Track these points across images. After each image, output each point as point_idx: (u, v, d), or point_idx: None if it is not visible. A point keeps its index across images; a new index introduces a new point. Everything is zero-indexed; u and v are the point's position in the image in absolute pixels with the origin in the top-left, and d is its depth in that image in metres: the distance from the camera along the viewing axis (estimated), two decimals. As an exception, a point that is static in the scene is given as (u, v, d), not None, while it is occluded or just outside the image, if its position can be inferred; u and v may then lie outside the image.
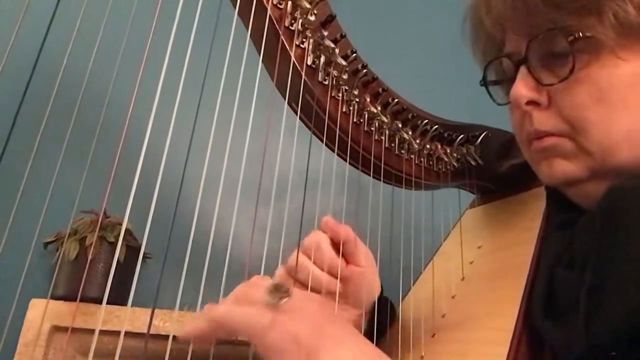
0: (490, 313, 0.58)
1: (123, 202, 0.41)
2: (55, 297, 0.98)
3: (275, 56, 0.58)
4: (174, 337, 0.44)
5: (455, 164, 0.75)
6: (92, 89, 0.59)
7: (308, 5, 0.59)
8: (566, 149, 0.51)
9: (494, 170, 0.78)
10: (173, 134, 0.45)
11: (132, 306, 0.99)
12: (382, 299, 0.68)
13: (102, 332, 0.93)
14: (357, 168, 0.67)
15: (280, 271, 0.61)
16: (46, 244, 1.05)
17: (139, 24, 0.53)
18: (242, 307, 0.41)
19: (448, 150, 0.74)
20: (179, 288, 0.46)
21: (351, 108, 0.64)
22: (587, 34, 0.48)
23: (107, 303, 0.95)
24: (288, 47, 0.59)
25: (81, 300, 0.99)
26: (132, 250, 0.98)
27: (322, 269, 0.60)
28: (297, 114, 0.61)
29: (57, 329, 0.99)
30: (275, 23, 0.58)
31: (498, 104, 0.61)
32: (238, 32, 0.54)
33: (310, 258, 0.59)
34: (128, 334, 0.92)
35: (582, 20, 0.48)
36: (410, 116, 0.69)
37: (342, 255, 0.62)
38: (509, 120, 0.60)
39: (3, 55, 0.44)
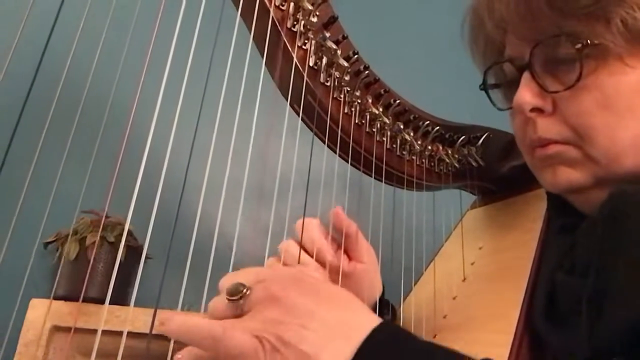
0: (491, 315, 0.58)
1: (123, 203, 0.41)
2: (55, 297, 0.98)
3: (278, 58, 0.58)
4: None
5: (456, 165, 0.75)
6: (95, 91, 0.59)
7: (310, 7, 0.59)
8: (571, 157, 0.51)
9: (495, 172, 0.78)
10: (175, 134, 0.45)
11: (133, 306, 0.99)
12: (384, 301, 0.68)
13: (102, 332, 0.92)
14: (359, 169, 0.67)
15: (269, 261, 0.59)
16: (46, 244, 1.05)
17: (142, 27, 0.53)
18: (193, 320, 0.39)
19: (449, 152, 0.74)
20: (180, 288, 0.46)
21: (353, 109, 0.64)
22: (595, 41, 0.48)
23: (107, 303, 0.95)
24: (290, 49, 0.59)
25: (81, 300, 0.99)
26: (131, 250, 0.98)
27: (311, 253, 0.58)
28: (299, 115, 0.61)
29: (57, 329, 0.99)
30: (278, 24, 0.58)
31: (498, 109, 0.60)
32: (240, 33, 0.54)
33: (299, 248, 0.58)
34: (128, 334, 0.92)
35: (589, 26, 0.48)
36: (411, 117, 0.69)
37: (344, 250, 0.61)
38: (509, 123, 0.60)
39: (7, 58, 0.44)
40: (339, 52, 0.61)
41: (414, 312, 0.66)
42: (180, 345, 0.42)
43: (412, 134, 0.70)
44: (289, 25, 0.59)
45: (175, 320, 0.39)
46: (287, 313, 0.38)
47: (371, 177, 0.67)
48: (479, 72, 0.63)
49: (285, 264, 0.57)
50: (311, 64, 0.60)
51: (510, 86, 0.56)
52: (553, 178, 0.53)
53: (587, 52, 0.48)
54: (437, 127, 0.71)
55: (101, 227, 0.98)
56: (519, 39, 0.54)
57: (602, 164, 0.49)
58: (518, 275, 0.58)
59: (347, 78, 0.63)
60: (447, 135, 0.73)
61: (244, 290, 0.40)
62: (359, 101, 0.65)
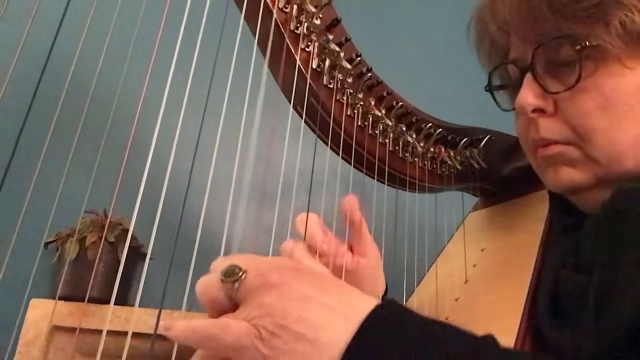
0: (493, 316, 0.58)
1: (125, 203, 0.41)
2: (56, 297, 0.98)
3: (281, 60, 0.58)
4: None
5: (458, 167, 0.75)
6: (99, 92, 0.59)
7: (313, 9, 0.59)
8: (572, 157, 0.52)
9: (497, 173, 0.78)
10: (179, 136, 0.45)
11: (134, 306, 0.99)
12: (387, 299, 0.68)
13: (101, 332, 0.93)
14: (362, 171, 0.67)
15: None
16: (46, 244, 1.05)
17: (146, 29, 0.53)
18: (193, 323, 0.38)
19: (452, 154, 0.74)
20: (179, 288, 0.46)
21: (356, 111, 0.65)
22: (594, 43, 0.48)
23: (107, 303, 0.95)
24: (293, 51, 0.59)
25: (82, 300, 0.99)
26: (131, 250, 0.98)
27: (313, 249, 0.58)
28: (302, 117, 0.61)
29: (57, 329, 0.99)
30: (281, 27, 0.58)
31: (503, 110, 0.61)
32: (244, 36, 0.54)
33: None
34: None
35: (588, 28, 0.48)
36: (414, 119, 0.69)
37: (348, 241, 0.61)
38: (512, 123, 0.60)
39: (13, 59, 0.44)
40: (342, 54, 0.61)
41: (416, 313, 0.66)
42: (183, 345, 0.42)
43: (414, 136, 0.70)
44: (292, 27, 0.59)
45: (178, 326, 0.38)
46: (283, 298, 0.36)
47: (373, 179, 0.67)
48: (480, 74, 0.64)
49: None
50: (314, 66, 0.60)
51: (514, 87, 0.56)
52: (555, 178, 0.54)
53: (587, 53, 0.49)
54: (440, 130, 0.71)
55: (106, 227, 0.98)
56: (522, 41, 0.54)
57: (602, 164, 0.50)
58: (520, 276, 0.59)
59: (350, 80, 0.63)
60: (449, 138, 0.73)
61: (240, 274, 0.38)
62: (362, 103, 0.65)
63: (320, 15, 0.60)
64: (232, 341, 0.36)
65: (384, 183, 0.69)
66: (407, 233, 0.72)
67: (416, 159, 0.71)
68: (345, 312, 0.36)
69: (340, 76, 0.62)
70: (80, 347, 1.01)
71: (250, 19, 0.56)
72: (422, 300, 0.71)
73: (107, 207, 0.98)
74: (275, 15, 0.57)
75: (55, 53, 0.44)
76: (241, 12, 0.55)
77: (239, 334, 0.36)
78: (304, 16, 0.59)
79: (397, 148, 0.69)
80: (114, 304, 0.98)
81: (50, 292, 1.02)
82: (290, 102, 0.60)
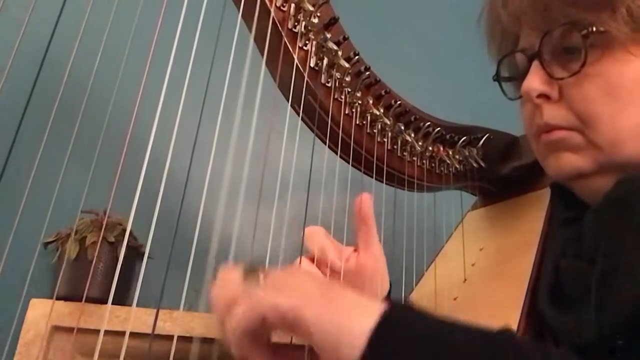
0: (492, 315, 0.58)
1: (123, 203, 0.41)
2: (55, 297, 0.98)
3: (279, 58, 0.58)
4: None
5: (457, 166, 0.75)
6: (97, 91, 0.59)
7: (311, 8, 0.59)
8: (575, 143, 0.52)
9: (495, 173, 0.78)
10: (177, 135, 0.45)
11: (132, 306, 0.99)
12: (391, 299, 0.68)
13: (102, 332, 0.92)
14: (360, 170, 0.67)
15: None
16: (46, 244, 1.05)
17: (143, 27, 0.53)
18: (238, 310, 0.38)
19: (450, 153, 0.74)
20: (177, 288, 0.46)
21: (354, 110, 0.65)
22: (600, 29, 0.49)
23: (107, 303, 0.95)
24: (291, 49, 0.59)
25: (82, 300, 0.99)
26: (131, 250, 0.98)
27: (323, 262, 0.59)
28: (299, 115, 0.61)
29: (57, 329, 0.99)
30: (279, 25, 0.58)
31: (509, 99, 0.61)
32: (241, 34, 0.54)
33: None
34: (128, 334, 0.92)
35: (595, 14, 0.49)
36: (412, 118, 0.69)
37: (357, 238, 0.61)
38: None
39: (10, 57, 0.44)
40: (339, 53, 0.61)
41: (415, 313, 0.66)
42: (182, 345, 0.42)
43: (413, 135, 0.70)
44: (290, 26, 0.59)
45: (232, 319, 0.38)
46: (304, 297, 0.37)
47: (372, 178, 0.67)
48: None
49: None
50: (312, 65, 0.60)
51: (521, 78, 0.57)
52: (557, 164, 0.54)
53: (593, 39, 0.49)
54: (438, 128, 0.71)
55: (104, 227, 0.98)
56: (531, 29, 0.55)
57: (604, 151, 0.50)
58: (519, 275, 0.59)
59: (348, 79, 0.63)
60: (447, 137, 0.73)
61: (260, 274, 0.39)
62: (360, 102, 0.65)
63: (318, 14, 0.60)
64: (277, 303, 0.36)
65: (382, 182, 0.69)
66: (406, 232, 0.72)
67: (415, 158, 0.71)
68: (364, 309, 0.38)
69: (338, 75, 0.62)
70: (80, 347, 1.01)
71: (248, 18, 0.56)
72: (420, 299, 0.71)
73: (106, 206, 0.98)
74: (272, 14, 0.58)
75: (53, 50, 0.44)
76: (239, 10, 0.55)
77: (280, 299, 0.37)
78: (301, 15, 0.59)
79: (395, 147, 0.69)
80: (113, 303, 0.98)
81: (50, 292, 1.02)
82: (288, 101, 0.60)
